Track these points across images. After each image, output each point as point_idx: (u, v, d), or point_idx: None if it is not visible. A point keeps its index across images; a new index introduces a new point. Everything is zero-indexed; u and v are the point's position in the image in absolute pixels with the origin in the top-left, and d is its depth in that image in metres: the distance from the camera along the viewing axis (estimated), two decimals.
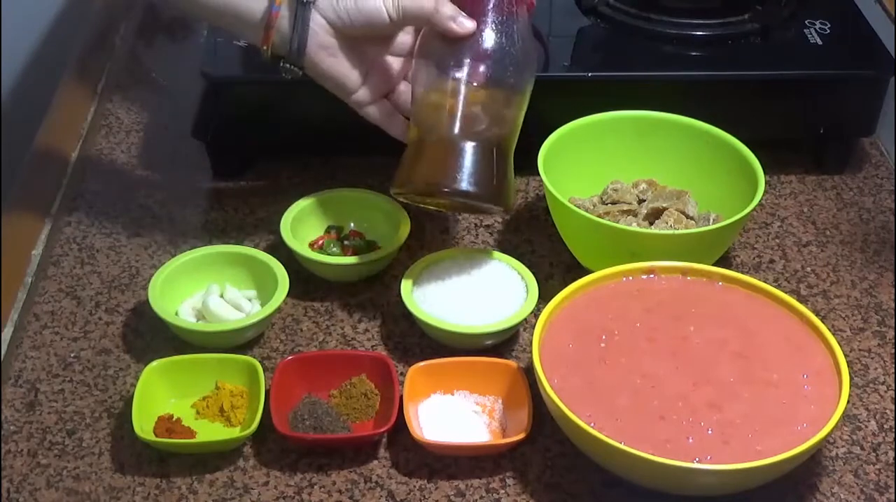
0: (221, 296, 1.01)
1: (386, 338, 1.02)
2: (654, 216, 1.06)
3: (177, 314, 1.00)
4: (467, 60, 0.96)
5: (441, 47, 0.97)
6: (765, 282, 0.98)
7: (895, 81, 1.18)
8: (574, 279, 0.96)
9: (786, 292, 0.96)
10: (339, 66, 0.98)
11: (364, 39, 0.97)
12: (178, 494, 0.89)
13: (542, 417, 0.91)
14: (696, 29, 1.19)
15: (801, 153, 1.22)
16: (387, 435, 0.92)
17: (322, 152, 1.20)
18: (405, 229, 1.06)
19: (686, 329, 0.93)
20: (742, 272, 1.03)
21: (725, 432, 0.85)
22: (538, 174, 1.03)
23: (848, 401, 0.87)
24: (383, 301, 1.05)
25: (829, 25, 1.19)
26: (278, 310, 0.99)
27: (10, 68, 1.65)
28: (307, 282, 1.05)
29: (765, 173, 1.04)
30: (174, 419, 0.92)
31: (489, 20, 0.96)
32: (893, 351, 1.01)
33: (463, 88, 0.96)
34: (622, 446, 0.82)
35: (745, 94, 1.17)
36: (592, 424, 0.84)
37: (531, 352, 0.90)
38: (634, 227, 1.03)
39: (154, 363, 0.94)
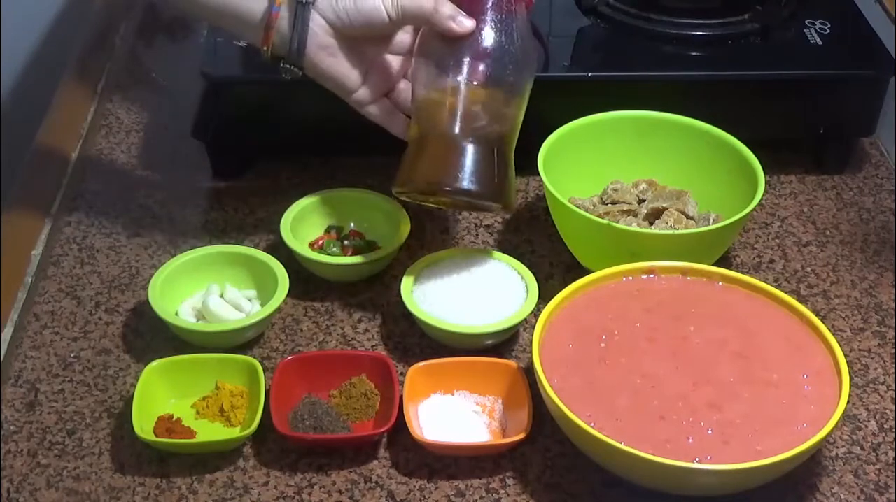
0: (221, 296, 1.01)
1: (386, 338, 1.02)
2: (654, 216, 1.06)
3: (177, 314, 1.00)
4: (467, 59, 0.96)
5: (440, 46, 0.97)
6: (765, 282, 0.98)
7: (895, 81, 1.18)
8: (574, 279, 0.96)
9: (786, 292, 0.96)
10: (338, 66, 0.98)
11: (363, 39, 0.97)
12: (178, 494, 0.89)
13: (542, 417, 0.91)
14: (696, 29, 1.19)
15: (801, 153, 1.22)
16: (387, 435, 0.92)
17: (322, 152, 1.20)
18: (405, 229, 1.06)
19: (686, 329, 0.93)
20: (742, 272, 1.03)
21: (725, 432, 0.85)
22: (538, 174, 1.03)
23: (848, 401, 0.87)
24: (383, 301, 1.05)
25: (829, 25, 1.19)
26: (278, 310, 0.99)
27: (10, 68, 1.65)
28: (307, 282, 1.05)
29: (765, 173, 1.04)
30: (174, 419, 0.92)
31: (488, 18, 0.96)
32: (893, 351, 1.01)
33: (463, 87, 0.96)
34: (622, 446, 0.82)
35: (745, 94, 1.17)
36: (592, 424, 0.84)
37: (531, 352, 0.90)
38: (634, 227, 1.03)
39: (154, 363, 0.94)
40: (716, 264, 1.00)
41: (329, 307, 1.04)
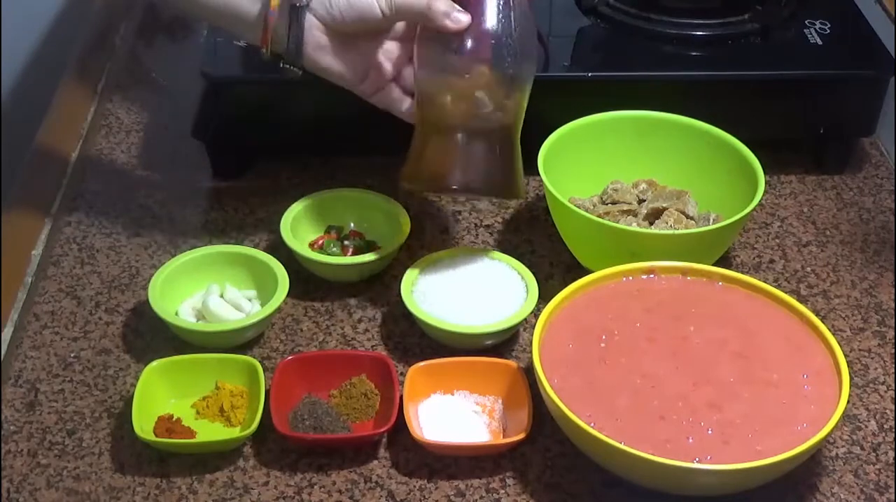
0: (221, 296, 1.01)
1: (386, 338, 1.02)
2: (654, 216, 1.06)
3: (177, 314, 1.00)
4: (467, 48, 0.95)
5: (440, 37, 0.96)
6: (765, 282, 0.98)
7: (895, 81, 1.18)
8: (574, 279, 0.96)
9: (786, 292, 0.96)
10: (338, 63, 0.98)
11: (360, 34, 0.97)
12: (178, 494, 0.89)
13: (542, 417, 0.91)
14: (696, 29, 1.19)
15: (801, 153, 1.22)
16: (387, 435, 0.92)
17: (322, 152, 1.20)
18: (405, 229, 1.06)
19: (686, 329, 0.93)
20: (742, 272, 1.03)
21: (725, 432, 0.85)
22: (538, 174, 1.03)
23: (848, 401, 0.87)
24: (383, 301, 1.05)
25: (829, 25, 1.19)
26: (278, 310, 0.99)
27: (10, 68, 1.65)
28: (307, 282, 1.05)
29: (765, 173, 1.04)
30: (174, 419, 0.92)
31: (485, 9, 0.96)
32: (893, 351, 1.01)
33: (463, 79, 0.96)
34: (622, 446, 0.82)
35: (745, 94, 1.17)
36: (592, 424, 0.84)
37: (531, 352, 0.90)
38: (634, 227, 1.03)
39: (154, 363, 0.94)
40: (716, 264, 1.00)
41: (329, 307, 1.04)
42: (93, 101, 1.29)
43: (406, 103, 1.01)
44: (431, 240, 1.11)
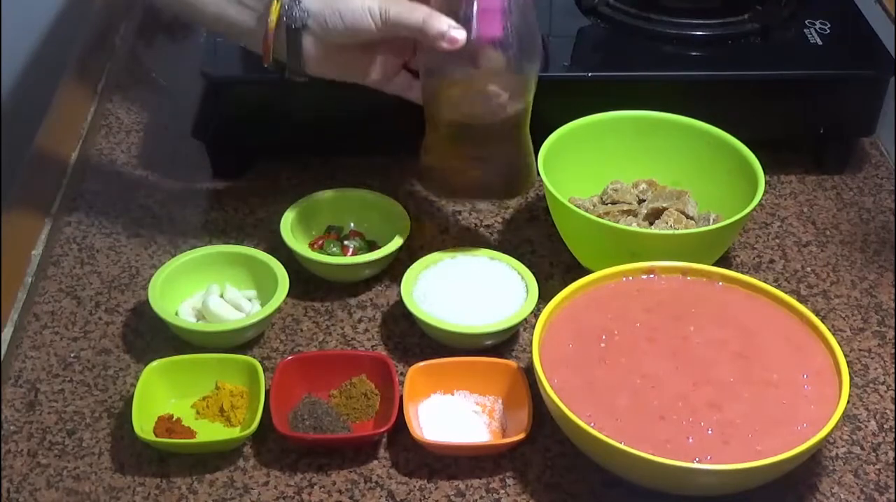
0: (221, 296, 1.01)
1: (386, 338, 1.02)
2: (654, 216, 1.06)
3: (177, 314, 1.00)
4: (466, 48, 0.95)
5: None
6: (765, 282, 0.98)
7: (895, 81, 1.18)
8: (574, 279, 0.96)
9: (786, 292, 0.96)
10: (342, 69, 0.98)
11: (359, 44, 0.97)
12: (178, 494, 0.89)
13: (542, 417, 0.91)
14: (696, 29, 1.19)
15: (801, 153, 1.22)
16: (387, 435, 0.92)
17: (322, 152, 1.20)
18: (405, 229, 1.06)
19: (686, 329, 0.93)
20: (742, 272, 1.03)
21: (725, 432, 0.85)
22: (538, 174, 1.03)
23: (848, 401, 0.87)
24: (383, 301, 1.05)
25: (829, 25, 1.19)
26: (278, 310, 0.99)
27: (10, 68, 1.65)
28: (307, 282, 1.05)
29: (765, 173, 1.04)
30: (174, 419, 0.92)
31: (485, 7, 0.95)
32: (893, 351, 1.01)
33: (464, 76, 0.96)
34: (622, 446, 0.82)
35: (745, 94, 1.16)
36: (592, 424, 0.84)
37: (531, 352, 0.90)
38: (634, 227, 1.03)
39: (154, 363, 0.94)
40: (716, 264, 1.00)
41: (329, 307, 1.04)
42: (93, 101, 1.29)
43: (418, 88, 1.01)
44: (431, 240, 1.11)
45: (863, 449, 0.93)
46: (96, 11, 1.45)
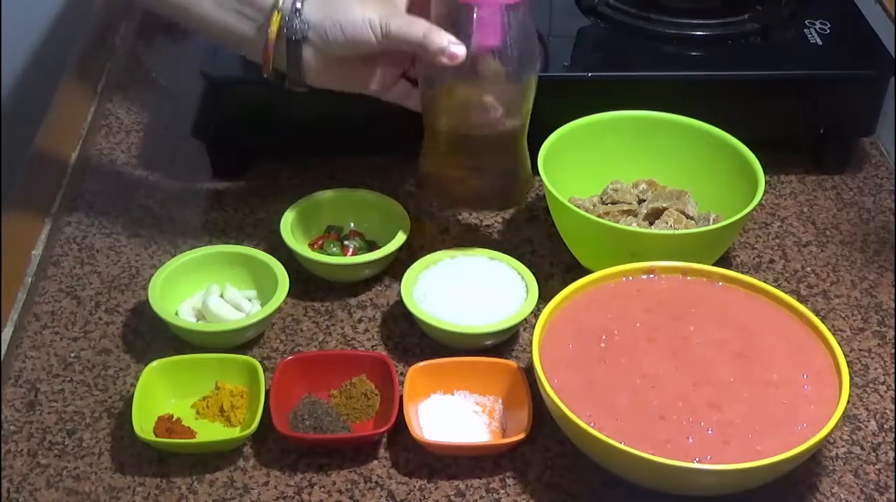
0: (221, 296, 1.01)
1: (386, 338, 1.02)
2: (654, 216, 1.06)
3: (177, 314, 1.00)
4: (465, 58, 0.95)
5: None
6: (765, 282, 0.98)
7: (895, 81, 1.18)
8: (574, 279, 0.96)
9: (786, 292, 0.96)
10: (342, 81, 0.99)
11: (359, 56, 0.97)
12: (178, 494, 0.89)
13: (542, 417, 0.91)
14: (696, 29, 1.19)
15: (801, 153, 1.22)
16: (387, 435, 0.92)
17: (322, 152, 1.20)
18: (405, 229, 1.06)
19: (686, 329, 0.93)
20: (742, 272, 1.03)
21: (725, 432, 0.85)
22: (538, 174, 1.03)
23: (848, 401, 0.87)
24: (383, 301, 1.05)
25: (829, 25, 1.19)
26: (278, 310, 0.99)
27: (10, 68, 1.65)
28: (307, 282, 1.05)
29: (765, 173, 1.04)
30: (174, 419, 0.92)
31: (484, 16, 0.95)
32: (893, 351, 1.01)
33: (463, 87, 0.96)
34: (622, 446, 0.82)
35: (745, 94, 1.16)
36: (592, 424, 0.84)
37: (531, 352, 0.90)
38: (634, 227, 1.03)
39: (154, 363, 0.94)
40: (716, 264, 1.00)
41: (329, 307, 1.04)
42: (93, 101, 1.29)
43: (416, 98, 1.01)
44: (431, 240, 1.11)
45: (863, 449, 0.93)
46: (96, 11, 1.45)
